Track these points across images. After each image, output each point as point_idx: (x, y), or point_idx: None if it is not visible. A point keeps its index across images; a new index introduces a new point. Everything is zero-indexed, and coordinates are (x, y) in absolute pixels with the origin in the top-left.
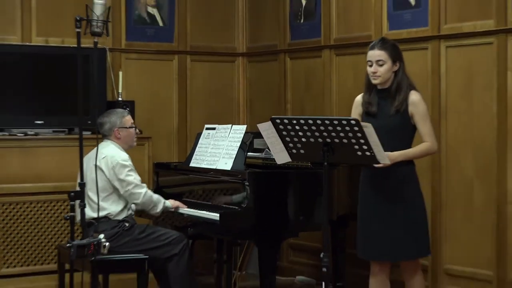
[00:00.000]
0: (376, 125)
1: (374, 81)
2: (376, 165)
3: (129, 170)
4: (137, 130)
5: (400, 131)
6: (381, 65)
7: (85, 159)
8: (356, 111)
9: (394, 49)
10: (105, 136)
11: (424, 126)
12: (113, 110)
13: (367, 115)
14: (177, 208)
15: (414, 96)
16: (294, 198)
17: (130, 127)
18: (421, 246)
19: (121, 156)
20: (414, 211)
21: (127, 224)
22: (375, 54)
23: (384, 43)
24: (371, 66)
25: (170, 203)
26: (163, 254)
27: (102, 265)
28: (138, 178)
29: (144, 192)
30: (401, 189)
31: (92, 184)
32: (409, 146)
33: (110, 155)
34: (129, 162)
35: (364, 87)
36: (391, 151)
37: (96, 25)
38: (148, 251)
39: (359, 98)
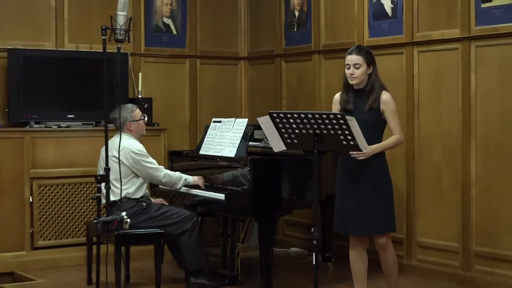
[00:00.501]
0: None
1: (351, 82)
2: (358, 158)
3: (146, 157)
4: (153, 125)
5: (373, 126)
6: (357, 68)
7: (103, 148)
8: (335, 107)
9: (368, 55)
10: (118, 130)
11: (393, 121)
12: (123, 106)
13: (345, 111)
14: (197, 184)
15: (385, 96)
16: (288, 181)
17: (139, 120)
18: (388, 223)
19: (136, 146)
20: (384, 192)
21: (144, 204)
22: (352, 58)
23: (360, 49)
24: (349, 68)
25: (194, 179)
26: (177, 230)
27: (124, 238)
28: (155, 162)
29: (163, 174)
30: (373, 173)
31: (112, 172)
32: (380, 137)
33: (127, 146)
34: (143, 151)
35: (342, 87)
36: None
37: (119, 33)
38: (163, 227)
39: (337, 96)
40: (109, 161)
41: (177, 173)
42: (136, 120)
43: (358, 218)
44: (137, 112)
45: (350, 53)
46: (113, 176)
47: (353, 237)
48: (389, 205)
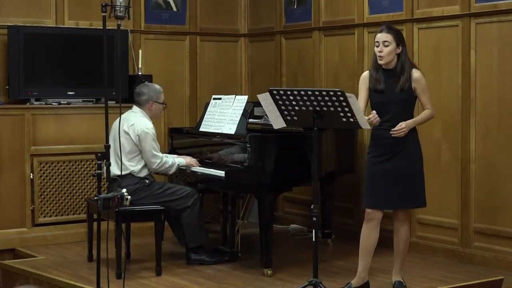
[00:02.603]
0: (385, 100)
1: (380, 61)
2: (398, 135)
3: (152, 139)
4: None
5: (406, 104)
6: (386, 46)
7: (116, 122)
8: (363, 86)
9: (398, 34)
10: (138, 104)
11: (424, 97)
12: (152, 85)
13: (375, 91)
14: (190, 165)
15: (416, 74)
16: (288, 158)
17: (161, 103)
18: (421, 198)
19: (146, 125)
20: (417, 168)
21: (147, 181)
22: (382, 36)
23: (390, 28)
24: (378, 46)
25: (186, 160)
26: (178, 206)
27: (125, 215)
28: (157, 147)
29: (158, 162)
30: (407, 150)
31: (123, 147)
32: (412, 113)
33: (137, 123)
34: (152, 131)
35: (371, 65)
36: (400, 121)
37: (119, 10)
38: (164, 203)
39: (365, 74)
40: (121, 136)
41: (170, 161)
42: (159, 102)
43: (390, 194)
44: (162, 96)
45: (380, 32)
46: (125, 151)
47: (369, 211)
48: (421, 180)
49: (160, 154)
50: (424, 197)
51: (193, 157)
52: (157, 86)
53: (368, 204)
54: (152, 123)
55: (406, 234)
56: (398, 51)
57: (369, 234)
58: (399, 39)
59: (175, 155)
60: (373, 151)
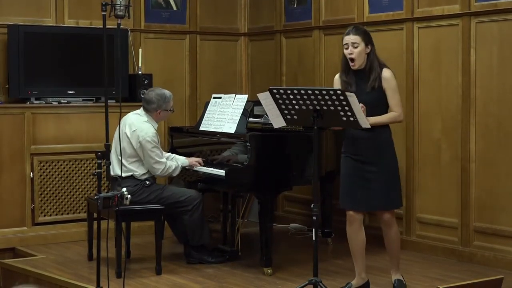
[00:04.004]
0: None
1: (352, 66)
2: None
3: (153, 147)
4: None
5: (377, 105)
6: (355, 47)
7: (121, 122)
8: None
9: (366, 34)
10: (146, 110)
11: (393, 99)
12: (163, 93)
13: None
14: (193, 165)
15: (385, 73)
16: (288, 157)
17: (170, 110)
18: (393, 199)
19: (149, 133)
20: (389, 169)
21: (147, 182)
22: (350, 38)
23: (357, 29)
24: (347, 48)
25: (188, 161)
26: (177, 209)
27: (125, 214)
28: (160, 153)
29: (162, 168)
30: (379, 151)
31: (124, 150)
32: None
33: (140, 129)
34: (155, 139)
35: (341, 68)
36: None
37: (119, 9)
38: (165, 205)
39: (337, 77)
40: (123, 138)
41: (174, 165)
42: (167, 110)
43: (364, 196)
44: (171, 103)
45: (348, 34)
46: (126, 154)
47: (351, 214)
48: (394, 182)
49: (163, 160)
50: (400, 198)
51: (196, 157)
52: (168, 94)
53: (345, 206)
54: (155, 129)
55: (395, 234)
56: (368, 50)
57: (355, 236)
58: (367, 39)
59: (177, 156)
60: (347, 151)
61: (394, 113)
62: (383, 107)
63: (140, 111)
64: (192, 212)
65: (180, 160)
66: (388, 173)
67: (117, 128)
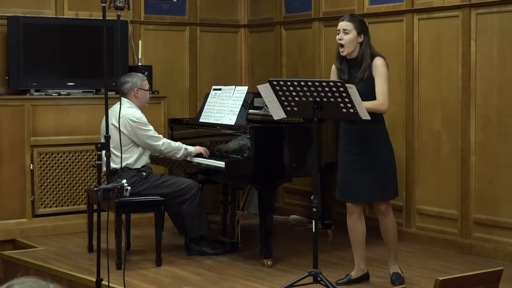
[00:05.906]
0: None
1: (341, 52)
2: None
3: (144, 126)
4: (153, 93)
5: (369, 94)
6: (346, 34)
7: (110, 115)
8: (333, 77)
9: (360, 23)
10: (123, 94)
11: (379, 86)
12: (134, 73)
13: None
14: (199, 153)
15: (376, 61)
16: (288, 149)
17: (147, 90)
18: (387, 190)
19: (135, 114)
20: (383, 160)
21: (144, 174)
22: (343, 24)
23: (352, 17)
24: (338, 34)
25: (196, 148)
26: (176, 198)
27: (125, 206)
28: (153, 130)
29: (161, 143)
30: (372, 142)
31: (112, 140)
32: None
33: (125, 114)
34: (143, 119)
35: (335, 57)
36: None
37: (119, 0)
38: (163, 195)
39: (334, 67)
40: (110, 129)
41: (178, 143)
42: (144, 89)
43: (359, 187)
44: (146, 83)
45: (342, 20)
46: (112, 144)
47: (351, 204)
48: (388, 172)
49: (160, 135)
50: (395, 189)
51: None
52: (140, 74)
53: (341, 198)
54: (143, 113)
55: (392, 225)
56: (360, 40)
57: (354, 226)
58: (361, 28)
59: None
60: (342, 142)
61: (377, 101)
62: (374, 98)
63: (121, 100)
64: (191, 200)
65: (184, 145)
66: (381, 163)
67: (103, 124)
